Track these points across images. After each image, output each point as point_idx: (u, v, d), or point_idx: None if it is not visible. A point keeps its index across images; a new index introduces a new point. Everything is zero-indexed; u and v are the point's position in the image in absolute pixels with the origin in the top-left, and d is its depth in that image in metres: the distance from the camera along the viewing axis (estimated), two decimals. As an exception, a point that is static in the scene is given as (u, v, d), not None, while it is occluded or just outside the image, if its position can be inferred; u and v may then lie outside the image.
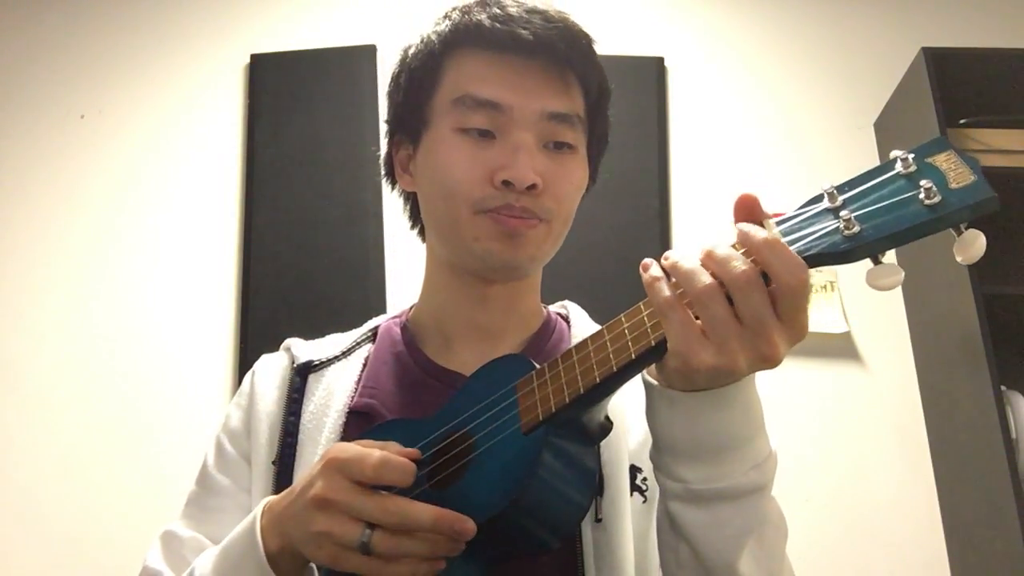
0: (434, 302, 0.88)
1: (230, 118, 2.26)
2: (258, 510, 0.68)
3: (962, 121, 1.99)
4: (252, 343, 2.04)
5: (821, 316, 2.06)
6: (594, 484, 0.64)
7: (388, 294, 2.06)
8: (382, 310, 1.89)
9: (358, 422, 0.79)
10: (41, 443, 2.03)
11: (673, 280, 0.59)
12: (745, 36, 2.33)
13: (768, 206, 0.61)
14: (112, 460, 2.01)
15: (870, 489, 1.96)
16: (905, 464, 1.98)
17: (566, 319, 0.91)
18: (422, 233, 0.91)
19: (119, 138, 2.27)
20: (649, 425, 0.66)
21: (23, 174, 2.25)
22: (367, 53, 2.20)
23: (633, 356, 0.59)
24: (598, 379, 0.60)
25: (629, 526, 0.73)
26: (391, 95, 0.88)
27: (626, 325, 0.62)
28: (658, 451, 0.66)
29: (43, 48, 2.35)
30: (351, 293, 2.07)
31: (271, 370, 0.88)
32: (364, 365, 0.86)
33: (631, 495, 0.75)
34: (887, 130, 2.20)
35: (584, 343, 0.64)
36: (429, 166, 0.81)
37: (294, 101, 2.23)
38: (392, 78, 0.87)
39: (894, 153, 0.57)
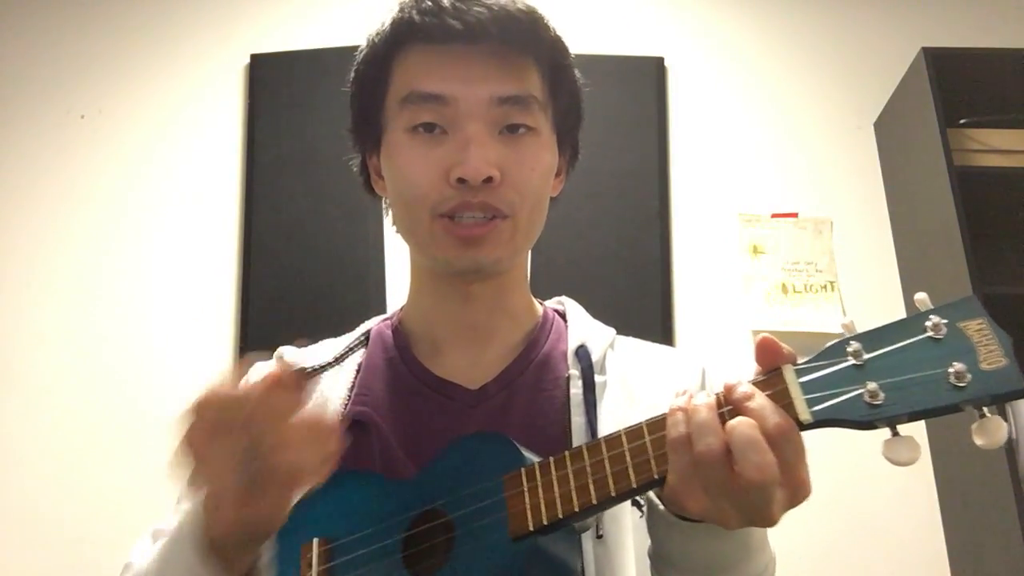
0: (420, 305, 0.87)
1: (230, 118, 2.26)
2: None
3: (962, 121, 1.99)
4: (252, 344, 2.04)
5: (821, 316, 2.06)
6: None
7: (388, 294, 2.06)
8: (382, 310, 1.88)
9: (352, 430, 0.77)
10: (41, 443, 2.03)
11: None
12: (745, 36, 2.33)
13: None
14: (112, 460, 2.01)
15: (870, 489, 1.96)
16: (905, 464, 1.98)
17: (563, 316, 0.89)
18: None
19: (119, 138, 2.27)
20: (648, 530, 0.66)
21: (23, 174, 2.25)
22: (367, 53, 2.20)
23: (634, 485, 0.59)
24: (594, 501, 0.59)
25: (631, 542, 0.72)
26: (350, 104, 0.86)
27: (628, 447, 0.60)
28: (655, 554, 0.67)
29: (43, 48, 2.34)
30: (351, 293, 2.07)
31: None
32: (357, 371, 0.84)
33: (630, 509, 0.74)
34: (887, 130, 2.20)
35: (580, 453, 0.62)
36: (389, 171, 0.80)
37: (294, 101, 2.23)
38: (350, 85, 0.86)
39: (924, 306, 0.56)
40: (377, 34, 0.81)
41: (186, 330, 2.11)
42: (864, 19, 2.34)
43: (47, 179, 2.24)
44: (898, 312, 2.11)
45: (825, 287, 2.10)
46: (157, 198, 2.22)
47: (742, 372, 0.59)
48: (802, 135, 2.24)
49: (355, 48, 0.84)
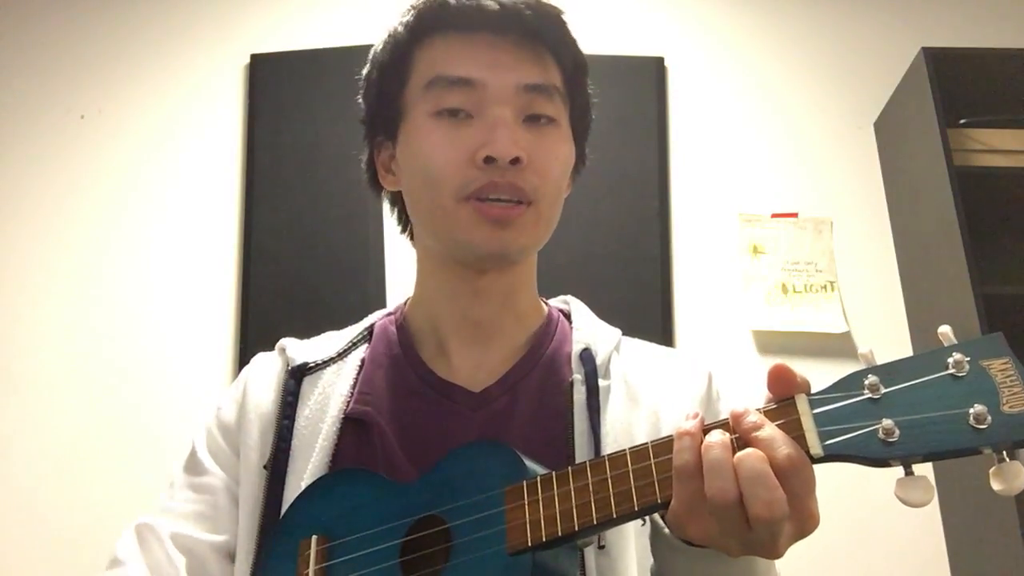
0: (426, 301, 0.86)
1: (230, 118, 2.26)
2: None
3: (962, 121, 1.99)
4: (252, 343, 2.04)
5: (821, 316, 2.06)
6: None
7: (388, 294, 2.06)
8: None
9: (353, 429, 0.78)
10: (41, 443, 2.03)
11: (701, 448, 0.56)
12: (745, 36, 2.33)
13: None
14: (112, 460, 2.01)
15: (870, 489, 1.95)
16: (905, 464, 1.98)
17: (568, 316, 0.88)
18: (412, 235, 0.89)
19: (119, 138, 2.27)
20: (651, 550, 0.66)
21: (23, 174, 2.25)
22: (367, 53, 2.20)
23: (636, 508, 0.58)
24: (595, 521, 0.58)
25: (633, 551, 0.72)
26: (364, 95, 0.86)
27: (632, 468, 0.59)
28: (657, 574, 0.67)
29: (43, 48, 2.34)
30: (351, 293, 2.07)
31: (265, 371, 0.86)
32: (360, 367, 0.83)
33: None
34: (887, 130, 2.20)
35: (583, 470, 0.61)
36: (409, 157, 0.79)
37: (294, 101, 2.23)
38: (363, 78, 0.86)
39: (947, 340, 0.54)
40: (400, 24, 0.82)
41: (186, 330, 2.11)
42: (864, 19, 2.34)
43: (47, 179, 2.24)
44: (899, 311, 2.12)
45: (825, 287, 2.10)
46: (157, 198, 2.22)
47: (745, 377, 0.58)
48: (802, 135, 2.24)
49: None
